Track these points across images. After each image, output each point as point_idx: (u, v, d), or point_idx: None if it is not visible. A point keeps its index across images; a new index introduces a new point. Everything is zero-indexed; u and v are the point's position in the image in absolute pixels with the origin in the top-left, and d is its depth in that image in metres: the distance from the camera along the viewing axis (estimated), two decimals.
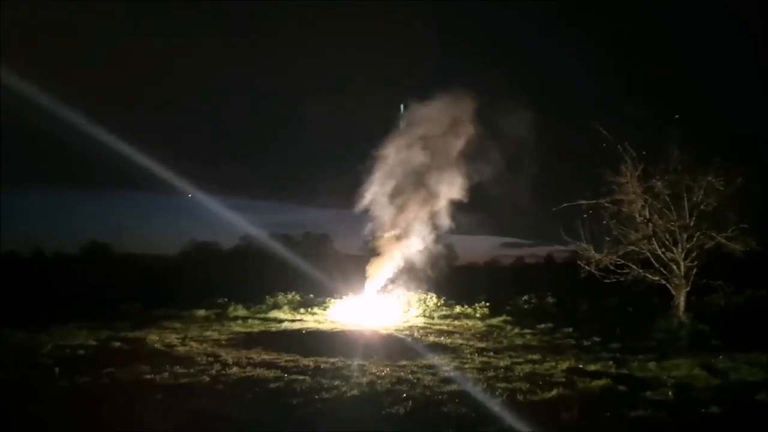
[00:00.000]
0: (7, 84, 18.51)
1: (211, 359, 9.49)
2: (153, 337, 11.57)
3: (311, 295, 19.39)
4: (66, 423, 6.23)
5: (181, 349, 10.55)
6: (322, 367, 9.20)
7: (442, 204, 18.85)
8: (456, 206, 19.01)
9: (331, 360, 9.73)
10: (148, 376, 8.05)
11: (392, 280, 19.11)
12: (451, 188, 18.67)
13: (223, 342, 11.73)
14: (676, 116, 15.51)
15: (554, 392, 7.75)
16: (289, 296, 18.76)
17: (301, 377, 8.28)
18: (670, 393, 7.99)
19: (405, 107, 19.28)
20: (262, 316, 16.40)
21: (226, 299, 17.89)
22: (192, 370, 8.54)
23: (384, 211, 18.83)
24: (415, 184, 19.02)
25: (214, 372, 8.49)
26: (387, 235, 18.81)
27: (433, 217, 19.01)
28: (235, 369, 8.73)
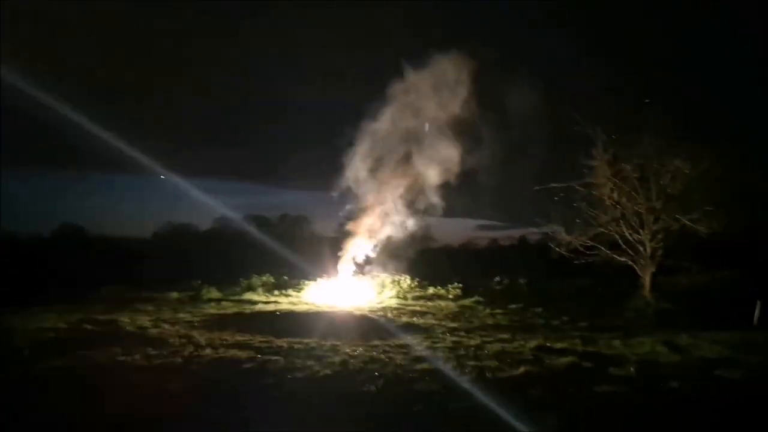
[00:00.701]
0: None
1: (184, 341, 9.50)
2: (125, 320, 11.50)
3: (285, 278, 19.41)
4: (44, 405, 6.21)
5: (153, 331, 10.53)
6: (295, 347, 9.28)
7: (421, 185, 18.89)
8: (434, 188, 19.09)
9: (305, 341, 9.81)
10: (121, 358, 8.05)
11: (367, 262, 19.23)
12: (431, 168, 18.71)
13: (197, 324, 11.73)
14: (646, 101, 15.77)
15: (521, 369, 7.98)
16: (263, 278, 18.75)
17: (274, 358, 8.36)
18: (632, 369, 8.28)
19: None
20: (236, 298, 16.40)
21: (199, 281, 17.81)
22: (165, 352, 8.55)
23: (362, 190, 18.84)
24: (394, 163, 18.99)
25: (187, 354, 8.52)
26: (363, 215, 18.84)
27: (412, 197, 19.06)
28: (208, 350, 8.77)
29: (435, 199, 19.00)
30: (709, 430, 6.08)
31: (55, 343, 9.10)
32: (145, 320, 11.65)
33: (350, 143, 18.63)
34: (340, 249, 19.29)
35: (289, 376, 7.36)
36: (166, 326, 11.13)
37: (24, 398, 6.42)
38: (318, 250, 22.79)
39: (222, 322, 11.99)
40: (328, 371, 7.68)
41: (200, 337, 9.92)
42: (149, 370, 7.60)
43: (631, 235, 16.32)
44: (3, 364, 7.62)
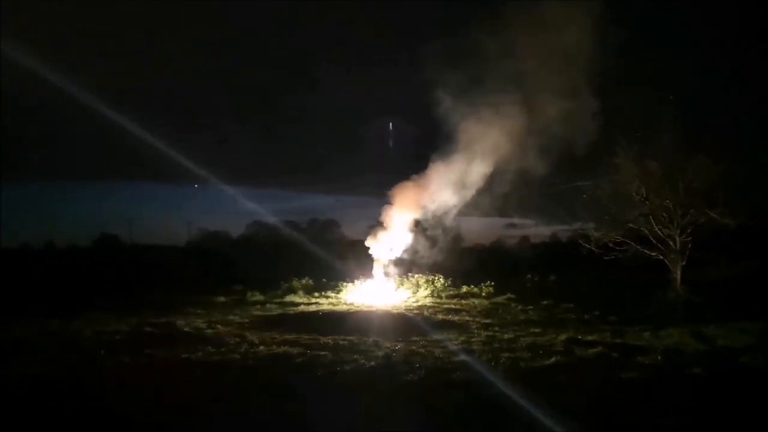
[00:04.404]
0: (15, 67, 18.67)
1: (238, 340, 10.30)
2: (180, 322, 12.35)
3: (324, 280, 20.18)
4: (118, 397, 7.04)
5: (208, 331, 11.36)
6: (340, 344, 9.99)
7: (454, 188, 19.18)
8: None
9: (348, 338, 10.52)
10: (185, 356, 8.87)
11: (402, 262, 19.82)
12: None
13: (246, 324, 12.55)
14: (670, 97, 16.11)
15: (553, 359, 8.57)
16: (303, 281, 19.56)
17: (322, 353, 9.09)
18: (659, 357, 8.79)
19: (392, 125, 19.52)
20: (278, 300, 17.18)
21: (242, 286, 18.71)
22: (223, 350, 9.36)
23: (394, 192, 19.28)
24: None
25: (243, 350, 9.30)
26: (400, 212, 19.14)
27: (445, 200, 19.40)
28: (261, 348, 9.54)
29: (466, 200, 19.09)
30: (726, 408, 6.58)
31: (122, 344, 9.95)
32: (198, 322, 12.49)
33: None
34: (370, 251, 19.84)
35: (338, 369, 8.08)
36: (219, 327, 11.96)
37: (106, 391, 7.27)
38: (349, 252, 23.57)
39: (269, 323, 12.79)
40: (373, 363, 8.38)
41: (252, 336, 10.71)
42: (212, 365, 8.40)
43: (660, 230, 16.67)
44: (83, 363, 8.50)
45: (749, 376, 8.13)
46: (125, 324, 12.14)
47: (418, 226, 19.25)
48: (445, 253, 19.91)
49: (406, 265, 19.81)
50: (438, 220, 19.46)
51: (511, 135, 17.73)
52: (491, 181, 18.80)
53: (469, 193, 18.86)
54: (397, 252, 19.44)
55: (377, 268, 19.51)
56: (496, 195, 19.21)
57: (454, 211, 19.47)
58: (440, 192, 18.85)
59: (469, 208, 19.78)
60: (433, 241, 19.73)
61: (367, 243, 19.63)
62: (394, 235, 19.25)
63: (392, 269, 19.57)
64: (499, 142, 17.92)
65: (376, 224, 19.91)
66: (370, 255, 19.81)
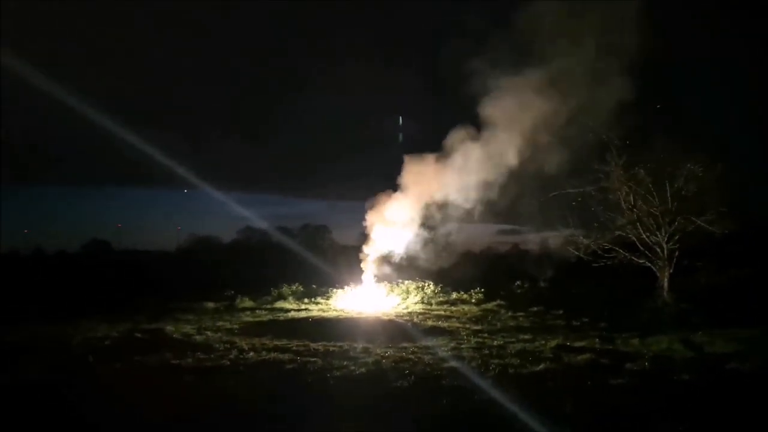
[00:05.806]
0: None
1: (228, 346, 10.27)
2: (170, 328, 12.31)
3: (314, 286, 20.14)
4: (110, 402, 7.01)
5: (198, 337, 11.33)
6: (331, 350, 10.01)
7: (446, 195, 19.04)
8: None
9: (339, 344, 10.55)
10: (174, 362, 8.84)
11: (391, 269, 19.75)
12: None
13: (236, 331, 12.51)
14: (658, 106, 16.26)
15: (542, 366, 8.61)
16: (293, 287, 19.50)
17: (312, 359, 9.10)
18: (646, 364, 8.85)
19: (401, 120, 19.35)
20: (268, 306, 17.14)
21: (232, 292, 18.64)
22: (213, 356, 9.34)
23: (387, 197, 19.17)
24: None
25: (233, 357, 9.29)
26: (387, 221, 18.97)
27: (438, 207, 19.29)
28: (251, 354, 9.52)
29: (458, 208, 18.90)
30: (714, 413, 6.65)
31: (111, 349, 9.92)
32: (188, 328, 12.45)
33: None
34: (361, 257, 19.78)
35: (328, 375, 8.08)
36: (209, 333, 11.93)
37: (97, 396, 7.23)
38: (340, 258, 23.53)
39: (259, 329, 12.75)
40: (363, 370, 8.40)
41: (242, 342, 10.68)
42: (202, 371, 8.37)
43: (648, 237, 16.78)
44: (74, 369, 8.46)
45: (737, 382, 8.20)
46: (115, 330, 12.10)
47: (422, 225, 18.98)
48: (442, 258, 19.84)
49: (399, 269, 19.71)
50: (442, 220, 19.22)
51: (540, 120, 17.26)
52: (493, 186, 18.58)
53: (489, 193, 18.48)
54: (395, 249, 19.16)
55: (368, 273, 19.45)
56: (496, 200, 19.01)
57: (476, 207, 18.94)
58: (461, 176, 18.33)
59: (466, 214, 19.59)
60: (433, 244, 19.54)
61: (367, 213, 19.26)
62: (394, 229, 18.94)
63: (384, 270, 19.42)
64: (525, 127, 17.46)
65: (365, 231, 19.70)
66: (360, 261, 19.72)
